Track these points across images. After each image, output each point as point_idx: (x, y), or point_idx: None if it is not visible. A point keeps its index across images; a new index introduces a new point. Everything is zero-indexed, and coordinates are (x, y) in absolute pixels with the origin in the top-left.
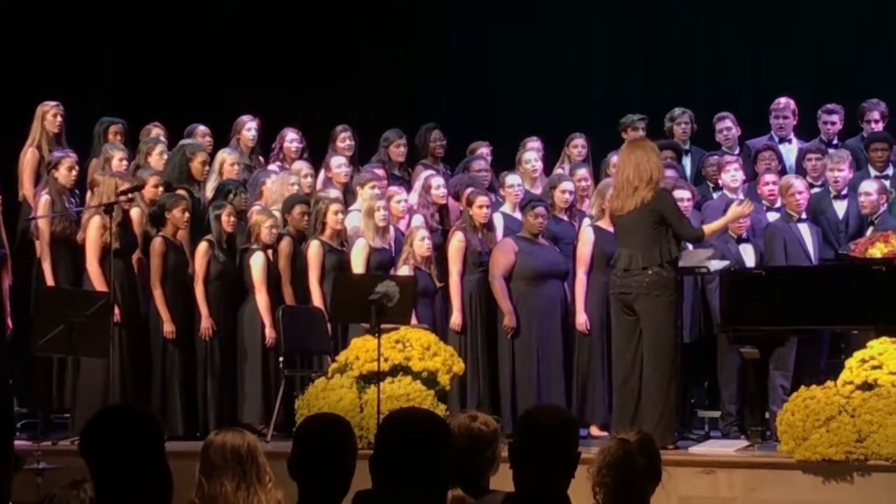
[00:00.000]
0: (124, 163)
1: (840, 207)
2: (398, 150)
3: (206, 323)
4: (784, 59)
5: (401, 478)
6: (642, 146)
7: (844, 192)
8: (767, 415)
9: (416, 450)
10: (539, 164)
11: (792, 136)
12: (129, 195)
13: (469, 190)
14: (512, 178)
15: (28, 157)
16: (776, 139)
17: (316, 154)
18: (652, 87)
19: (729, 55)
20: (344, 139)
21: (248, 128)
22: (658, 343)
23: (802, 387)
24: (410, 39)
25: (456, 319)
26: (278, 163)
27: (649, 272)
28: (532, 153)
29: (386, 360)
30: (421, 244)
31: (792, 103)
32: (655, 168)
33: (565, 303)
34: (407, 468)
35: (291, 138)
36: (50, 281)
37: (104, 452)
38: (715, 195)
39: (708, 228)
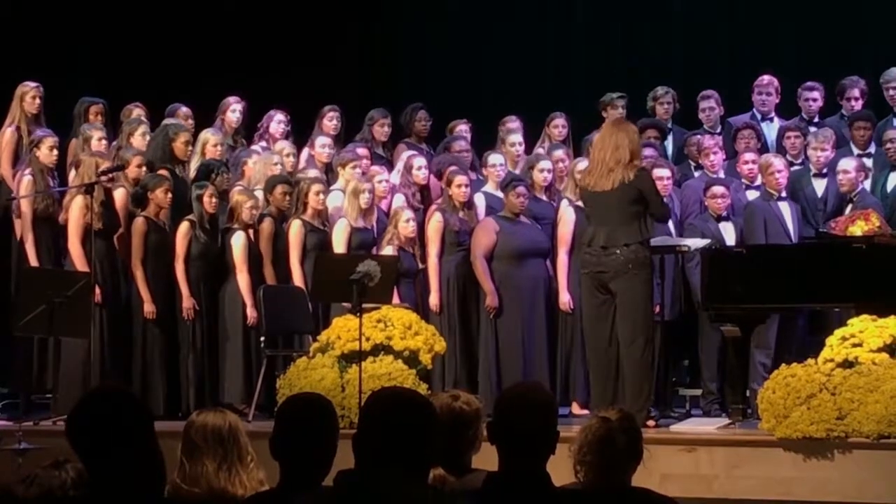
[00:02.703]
0: (103, 143)
1: (819, 186)
2: (382, 130)
3: (187, 303)
4: (765, 36)
5: (384, 456)
6: (624, 129)
7: (825, 170)
8: (749, 393)
9: (399, 429)
10: (521, 145)
11: (773, 113)
12: (111, 175)
13: (449, 169)
14: (494, 158)
15: (7, 137)
16: (758, 116)
17: (298, 135)
18: (634, 65)
19: (711, 32)
20: (331, 118)
21: (233, 109)
22: (636, 322)
23: (783, 365)
24: (393, 19)
25: (433, 300)
26: (262, 143)
27: (628, 249)
28: (515, 135)
29: (367, 339)
30: (406, 225)
31: (775, 81)
32: (635, 151)
33: (548, 281)
34: (390, 447)
35: (279, 120)
36: (33, 261)
37: (94, 436)
38: (696, 174)
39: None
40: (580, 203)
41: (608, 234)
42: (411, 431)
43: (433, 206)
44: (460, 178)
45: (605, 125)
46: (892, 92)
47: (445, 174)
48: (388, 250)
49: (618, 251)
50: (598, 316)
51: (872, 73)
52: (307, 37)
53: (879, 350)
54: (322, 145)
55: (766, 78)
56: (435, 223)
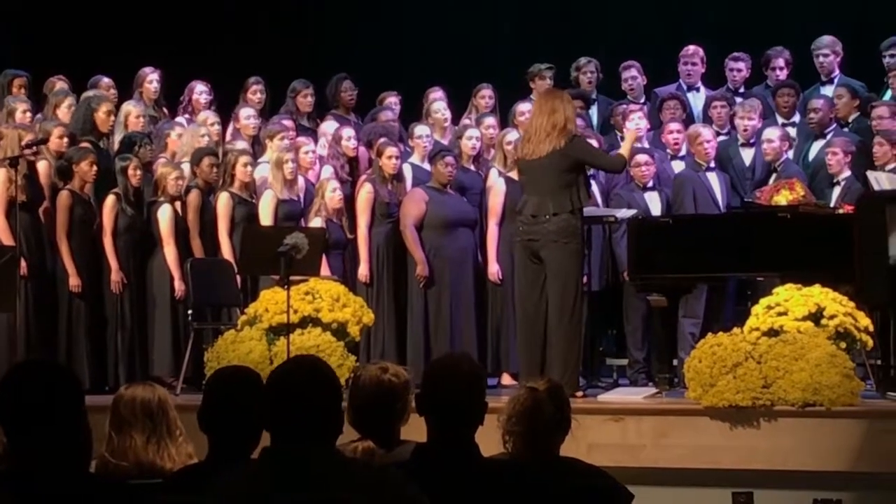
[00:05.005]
0: (28, 115)
1: (747, 155)
2: (305, 101)
3: (115, 276)
4: (692, 6)
5: (292, 428)
6: (559, 96)
7: (752, 140)
8: (675, 362)
9: (302, 398)
10: (448, 113)
11: (700, 83)
12: (34, 148)
13: (379, 140)
14: (421, 129)
15: None
16: (684, 87)
17: (223, 107)
18: (559, 35)
19: (636, 2)
20: (255, 91)
21: (150, 80)
22: (564, 291)
23: (710, 334)
24: None
25: (363, 271)
26: (186, 115)
27: (558, 218)
28: (440, 103)
29: (295, 311)
30: (332, 196)
31: (700, 51)
32: (570, 118)
33: (476, 252)
34: (297, 418)
35: (200, 90)
36: None
37: (24, 408)
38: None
39: (625, 152)
40: (511, 174)
41: (538, 204)
42: (315, 399)
43: (363, 178)
44: (390, 150)
45: (538, 95)
46: (821, 59)
47: (376, 145)
48: (316, 222)
49: (547, 220)
50: (530, 284)
51: (798, 43)
52: (232, 8)
53: (804, 318)
54: (247, 117)
55: (691, 48)
56: (365, 194)
